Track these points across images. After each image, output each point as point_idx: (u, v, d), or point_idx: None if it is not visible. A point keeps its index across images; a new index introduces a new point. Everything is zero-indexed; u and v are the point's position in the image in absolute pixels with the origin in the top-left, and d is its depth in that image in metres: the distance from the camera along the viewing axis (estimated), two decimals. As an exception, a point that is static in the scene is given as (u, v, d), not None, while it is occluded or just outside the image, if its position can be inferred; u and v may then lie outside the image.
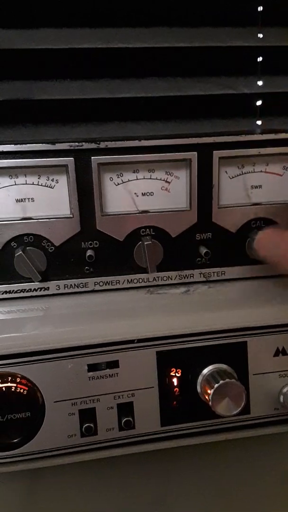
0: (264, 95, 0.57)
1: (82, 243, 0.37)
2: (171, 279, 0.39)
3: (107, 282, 0.39)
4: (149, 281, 0.39)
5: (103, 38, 0.51)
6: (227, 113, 0.57)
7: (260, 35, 0.55)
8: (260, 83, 0.56)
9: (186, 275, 0.40)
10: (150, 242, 0.37)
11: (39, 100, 0.50)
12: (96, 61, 0.52)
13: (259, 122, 0.58)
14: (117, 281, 0.39)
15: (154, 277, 0.39)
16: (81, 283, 0.38)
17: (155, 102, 0.55)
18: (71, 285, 0.38)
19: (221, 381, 0.32)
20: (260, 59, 0.56)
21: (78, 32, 0.51)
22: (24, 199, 0.36)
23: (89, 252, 0.37)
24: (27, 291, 0.38)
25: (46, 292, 0.38)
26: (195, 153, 0.36)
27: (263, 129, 0.52)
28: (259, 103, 0.57)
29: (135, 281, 0.39)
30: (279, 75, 0.56)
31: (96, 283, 0.39)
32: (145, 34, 0.52)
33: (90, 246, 0.38)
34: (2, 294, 0.38)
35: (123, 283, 0.39)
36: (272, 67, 0.56)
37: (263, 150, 0.37)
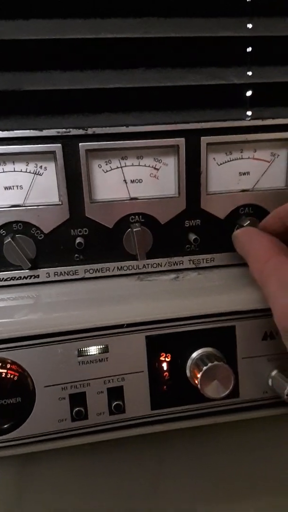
0: (254, 85, 0.57)
1: (72, 230, 0.38)
2: (161, 266, 0.40)
3: (97, 269, 0.39)
4: (138, 268, 0.39)
5: (92, 28, 0.51)
6: (217, 104, 0.57)
7: (250, 26, 0.55)
8: (249, 73, 0.57)
9: (175, 262, 0.40)
10: (139, 229, 0.37)
11: (28, 91, 0.50)
12: (86, 52, 0.52)
13: (249, 113, 0.58)
14: (107, 269, 0.39)
15: (144, 264, 0.39)
16: (71, 270, 0.39)
17: (145, 93, 0.55)
18: (61, 272, 0.38)
19: (210, 364, 0.33)
20: (249, 49, 0.56)
21: (67, 22, 0.51)
22: (13, 186, 0.36)
23: (78, 240, 0.37)
24: (17, 279, 0.38)
25: (36, 280, 0.38)
26: (183, 139, 0.36)
27: (241, 116, 0.52)
28: (249, 93, 0.57)
29: (125, 268, 0.39)
30: (268, 66, 0.56)
31: (86, 271, 0.39)
32: (135, 24, 0.52)
33: (80, 234, 0.38)
34: (-8, 281, 0.38)
35: (113, 270, 0.39)
36: (262, 57, 0.56)
37: (250, 136, 0.37)
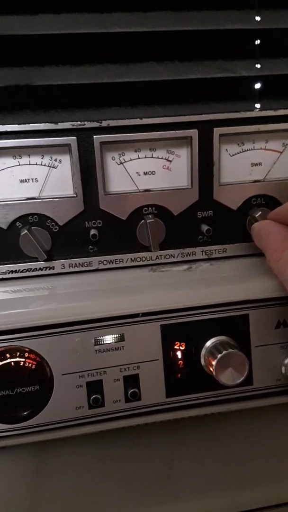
0: (262, 78, 0.57)
1: (86, 222, 0.38)
2: (174, 257, 0.40)
3: (110, 260, 0.39)
4: (151, 259, 0.40)
5: (101, 23, 0.51)
6: (226, 97, 0.57)
7: (258, 18, 0.55)
8: (258, 66, 0.57)
9: (188, 253, 0.40)
10: (153, 220, 0.37)
11: (38, 85, 0.51)
12: (95, 46, 0.53)
13: (257, 105, 0.58)
14: (121, 260, 0.39)
15: (157, 255, 0.40)
16: (86, 262, 0.39)
17: (154, 87, 0.55)
18: (75, 264, 0.39)
19: (224, 351, 0.33)
20: (258, 42, 0.56)
21: (76, 17, 0.51)
22: (28, 179, 0.37)
23: (92, 231, 0.38)
24: (33, 271, 0.39)
25: (51, 271, 0.39)
26: (196, 130, 0.37)
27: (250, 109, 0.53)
28: (257, 86, 0.57)
29: (138, 259, 0.40)
30: (277, 58, 0.57)
31: (100, 262, 0.39)
32: (143, 18, 0.53)
33: (94, 225, 0.38)
34: (8, 273, 0.38)
35: (126, 262, 0.40)
36: (270, 50, 0.56)
37: (263, 127, 0.37)
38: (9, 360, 0.34)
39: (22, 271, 0.39)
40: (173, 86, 0.55)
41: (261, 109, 0.37)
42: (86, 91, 0.53)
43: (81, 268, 0.39)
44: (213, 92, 0.57)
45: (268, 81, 0.57)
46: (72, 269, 0.39)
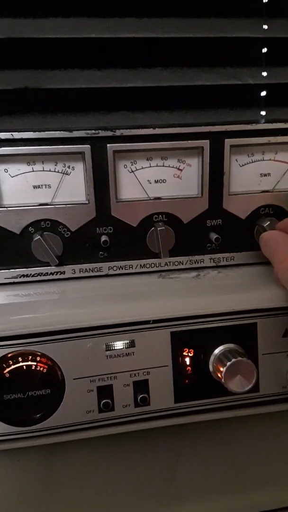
0: (268, 86, 0.58)
1: (97, 228, 0.39)
2: (182, 264, 0.41)
3: (120, 266, 0.40)
4: (161, 266, 0.41)
5: (111, 28, 0.52)
6: (232, 104, 0.58)
7: (265, 27, 0.56)
8: (264, 74, 0.57)
9: (196, 260, 0.41)
10: (163, 228, 0.38)
11: (47, 89, 0.51)
12: (104, 51, 0.53)
13: (263, 113, 0.59)
14: (130, 266, 0.40)
15: (166, 262, 0.40)
16: (96, 267, 0.40)
17: (161, 92, 0.56)
18: (86, 269, 0.40)
19: (233, 359, 0.34)
20: (265, 50, 0.57)
21: (86, 21, 0.51)
22: (42, 185, 0.37)
23: (103, 238, 0.39)
24: (44, 275, 0.39)
25: (62, 276, 0.39)
26: (208, 141, 0.37)
27: (273, 118, 0.53)
28: (263, 93, 0.58)
29: (148, 265, 0.40)
30: (283, 66, 0.57)
31: (110, 268, 0.40)
32: (152, 24, 0.53)
33: (105, 232, 0.39)
34: (20, 277, 0.39)
35: (136, 268, 0.40)
36: (277, 58, 0.57)
37: (273, 139, 0.38)
38: (21, 364, 0.34)
39: (33, 275, 0.39)
40: (180, 92, 0.56)
41: (271, 122, 0.38)
42: (94, 95, 0.54)
43: (91, 274, 0.40)
44: (219, 98, 0.57)
45: (274, 89, 0.57)
46: (82, 274, 0.40)
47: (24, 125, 0.52)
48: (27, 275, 0.39)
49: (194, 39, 0.54)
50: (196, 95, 0.57)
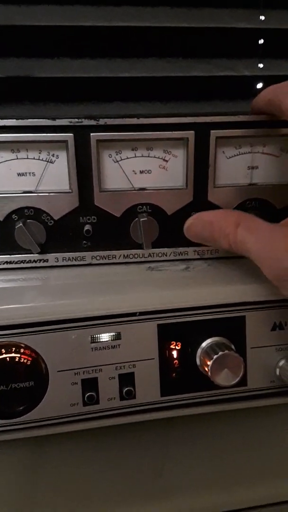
0: (264, 78, 0.57)
1: (80, 218, 0.39)
2: (166, 255, 0.41)
3: (103, 256, 0.40)
4: (144, 257, 0.40)
5: (105, 16, 0.51)
6: (227, 95, 0.58)
7: (262, 18, 0.55)
8: (261, 65, 0.57)
9: (180, 252, 0.41)
10: (146, 219, 0.38)
11: (38, 77, 0.51)
12: (97, 40, 0.53)
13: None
14: (113, 256, 0.40)
15: (150, 253, 0.40)
16: (79, 256, 0.40)
17: (155, 83, 0.55)
18: (69, 258, 0.40)
19: (220, 352, 0.34)
20: (261, 41, 0.56)
21: (79, 9, 0.51)
22: (26, 173, 0.37)
23: (86, 227, 0.38)
24: (27, 262, 0.39)
25: (45, 264, 0.39)
26: (193, 132, 0.37)
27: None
28: (259, 85, 0.58)
29: (131, 256, 0.40)
30: (280, 58, 0.57)
31: (93, 257, 0.40)
32: (147, 13, 0.53)
33: (88, 221, 0.39)
34: (3, 264, 0.39)
35: (119, 258, 0.40)
36: (273, 50, 0.56)
37: (261, 131, 0.37)
38: (4, 356, 0.34)
39: (16, 262, 0.39)
40: (175, 82, 0.56)
41: (259, 113, 0.37)
42: (86, 84, 0.53)
43: (74, 262, 0.40)
44: (214, 90, 0.57)
45: (270, 81, 0.57)
46: (65, 263, 0.40)
47: (15, 114, 0.52)
48: (10, 262, 0.39)
49: (190, 29, 0.53)
50: (191, 86, 0.56)
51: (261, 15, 0.55)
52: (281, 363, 0.37)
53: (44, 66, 0.51)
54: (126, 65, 0.54)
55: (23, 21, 0.48)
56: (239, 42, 0.56)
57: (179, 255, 0.41)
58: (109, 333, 0.35)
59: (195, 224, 0.37)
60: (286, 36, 0.55)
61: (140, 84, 0.55)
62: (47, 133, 0.36)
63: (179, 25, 0.53)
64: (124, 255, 0.40)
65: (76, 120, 0.35)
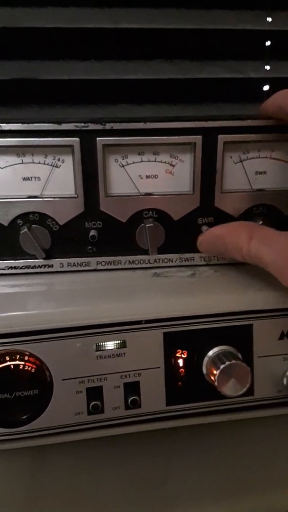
0: (271, 80, 0.56)
1: (86, 223, 0.38)
2: (172, 261, 0.40)
3: (109, 262, 0.39)
4: (150, 263, 0.40)
5: (111, 18, 0.51)
6: (233, 97, 0.57)
7: (269, 19, 0.54)
8: (267, 67, 0.56)
9: (187, 258, 0.40)
10: (152, 224, 0.37)
11: (44, 80, 0.50)
12: (103, 42, 0.52)
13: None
14: (119, 262, 0.40)
15: (155, 259, 0.40)
16: (84, 262, 0.39)
17: (162, 85, 0.55)
18: (74, 263, 0.39)
19: (227, 362, 0.33)
20: (268, 43, 0.55)
21: (85, 11, 0.50)
22: (31, 177, 0.37)
23: (92, 232, 0.38)
24: (32, 267, 0.39)
25: (50, 269, 0.39)
26: (200, 137, 0.36)
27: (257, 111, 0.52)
28: (266, 88, 0.57)
29: (137, 262, 0.40)
30: (287, 60, 0.56)
31: (98, 263, 0.39)
32: (153, 15, 0.52)
33: (94, 226, 0.38)
34: (8, 269, 0.39)
35: (124, 264, 0.40)
36: (281, 52, 0.55)
37: (268, 136, 0.37)
38: (8, 363, 0.34)
39: (21, 268, 0.39)
40: (180, 85, 0.55)
41: (266, 118, 0.37)
42: (92, 87, 0.53)
43: (79, 268, 0.39)
44: (221, 92, 0.56)
45: (277, 83, 0.56)
46: (70, 268, 0.39)
47: (21, 117, 0.51)
48: (15, 267, 0.39)
49: (196, 30, 0.53)
50: (197, 89, 0.56)
51: (268, 16, 0.54)
52: (289, 372, 0.37)
53: (49, 68, 0.51)
54: (132, 68, 0.54)
55: (28, 23, 0.48)
56: (245, 44, 0.55)
57: (185, 261, 0.40)
58: (114, 341, 0.35)
59: (207, 239, 0.37)
60: (293, 38, 0.55)
61: (146, 86, 0.54)
62: (52, 137, 0.35)
63: (185, 27, 0.53)
64: (129, 261, 0.40)
65: (82, 124, 0.35)
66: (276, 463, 0.46)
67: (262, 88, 0.57)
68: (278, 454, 0.45)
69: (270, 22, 0.54)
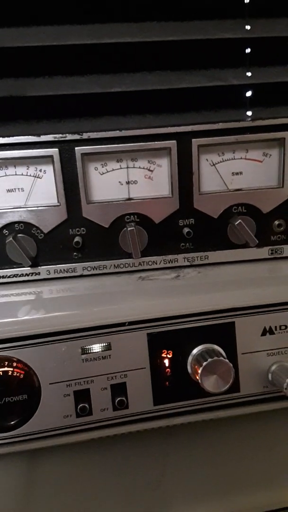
0: (253, 86, 0.58)
1: (70, 230, 0.39)
2: (156, 263, 0.41)
3: (94, 267, 0.41)
4: (134, 266, 0.41)
5: (92, 34, 0.53)
6: (217, 105, 0.58)
7: (248, 27, 0.56)
8: (249, 74, 0.57)
9: (170, 260, 0.41)
10: (133, 228, 0.39)
11: (31, 96, 0.52)
12: (87, 57, 0.54)
13: (249, 113, 0.59)
14: (104, 266, 0.41)
15: (140, 262, 0.41)
16: (70, 268, 0.40)
17: (146, 96, 0.56)
18: (60, 270, 0.40)
19: (210, 359, 0.34)
20: (248, 50, 0.57)
21: (67, 28, 0.52)
22: (15, 189, 0.38)
23: (76, 239, 0.39)
24: (19, 276, 0.40)
25: (37, 277, 0.40)
26: (174, 141, 0.38)
27: (241, 117, 0.53)
28: (248, 94, 0.58)
29: (122, 266, 0.41)
30: (267, 66, 0.57)
31: (84, 268, 0.41)
32: (134, 29, 0.54)
33: (77, 233, 0.40)
34: (-4, 279, 0.40)
35: (110, 268, 0.41)
36: (261, 58, 0.57)
37: (241, 137, 0.38)
38: (-2, 370, 0.34)
39: (9, 277, 0.40)
40: (165, 95, 0.57)
41: (251, 118, 0.38)
42: (78, 101, 0.55)
43: (65, 274, 0.41)
44: (204, 101, 0.58)
45: (259, 89, 0.57)
46: (57, 275, 0.41)
47: (8, 133, 0.53)
48: (3, 276, 0.40)
49: (176, 42, 0.54)
50: (181, 98, 0.57)
51: (247, 24, 0.56)
52: (273, 368, 0.37)
53: (35, 85, 0.53)
54: (116, 81, 0.55)
55: (13, 42, 0.50)
56: (226, 52, 0.56)
57: (169, 262, 0.41)
58: (99, 344, 0.35)
59: None
60: (272, 44, 0.56)
61: (130, 98, 0.56)
62: (33, 149, 0.37)
63: (166, 38, 0.54)
64: (114, 265, 0.41)
65: (60, 135, 0.36)
66: (269, 458, 0.45)
67: (245, 94, 0.58)
68: (270, 450, 0.45)
69: (249, 29, 0.56)
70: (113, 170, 0.39)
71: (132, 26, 0.54)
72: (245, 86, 0.58)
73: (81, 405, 0.35)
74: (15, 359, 0.34)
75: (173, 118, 0.58)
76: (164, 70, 0.57)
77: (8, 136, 0.36)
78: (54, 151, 0.37)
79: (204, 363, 0.34)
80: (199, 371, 0.34)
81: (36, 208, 0.39)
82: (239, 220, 0.39)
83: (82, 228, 0.39)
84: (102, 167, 0.39)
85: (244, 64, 0.57)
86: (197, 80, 0.57)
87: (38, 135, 0.36)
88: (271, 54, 0.57)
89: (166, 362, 0.36)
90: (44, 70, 0.53)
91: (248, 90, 0.58)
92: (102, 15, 0.53)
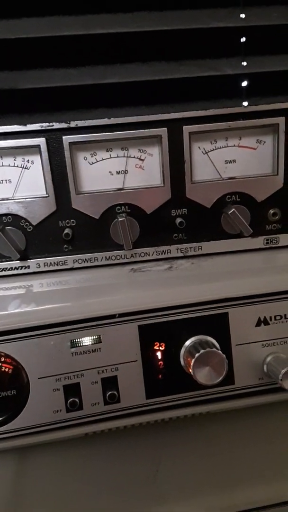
0: (249, 75, 0.56)
1: (59, 221, 0.39)
2: (149, 255, 0.40)
3: (85, 259, 0.40)
4: (126, 258, 0.40)
5: (85, 25, 0.52)
6: (213, 96, 0.57)
7: (243, 16, 0.55)
8: (244, 63, 0.56)
9: (163, 251, 0.40)
10: (124, 219, 0.38)
11: (23, 89, 0.51)
12: (79, 48, 0.53)
13: (245, 103, 0.58)
14: (95, 258, 0.40)
15: (132, 254, 0.40)
16: (60, 261, 0.40)
17: (139, 87, 0.55)
18: (50, 263, 0.40)
19: (202, 351, 0.33)
20: (243, 39, 0.56)
21: (60, 20, 0.51)
22: (2, 180, 0.38)
23: (66, 231, 0.38)
24: (8, 270, 0.39)
25: (27, 271, 0.40)
26: (165, 129, 0.37)
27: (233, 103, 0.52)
28: (244, 83, 0.57)
29: (113, 258, 0.40)
30: (263, 55, 0.56)
31: (75, 261, 0.40)
32: (127, 19, 0.53)
33: (67, 225, 0.39)
34: (-16, 272, 0.39)
35: (101, 260, 0.40)
36: (256, 47, 0.56)
37: (234, 124, 0.37)
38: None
39: (-2, 270, 0.39)
40: (160, 86, 0.56)
41: (229, 106, 0.37)
42: (71, 93, 0.54)
43: (56, 267, 0.40)
44: (200, 91, 0.56)
45: (255, 78, 0.56)
46: (47, 268, 0.40)
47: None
48: (-8, 270, 0.39)
49: (170, 31, 0.53)
50: (175, 89, 0.56)
51: (242, 13, 0.55)
52: (268, 359, 0.36)
53: (27, 77, 0.52)
54: (109, 72, 0.55)
55: (4, 35, 0.49)
56: (221, 41, 0.55)
57: (161, 253, 0.40)
58: (89, 336, 0.34)
59: None
60: (267, 33, 0.55)
61: (124, 89, 0.55)
62: (19, 139, 0.36)
63: (159, 28, 0.53)
64: (106, 257, 0.40)
65: (47, 124, 0.36)
66: (266, 452, 0.44)
67: (241, 83, 0.57)
68: (268, 443, 0.44)
69: (244, 18, 0.55)
70: (102, 159, 0.38)
71: (125, 17, 0.53)
72: (241, 75, 0.57)
73: (71, 399, 0.35)
74: (2, 354, 0.34)
75: (168, 109, 0.57)
76: (158, 61, 0.56)
77: (-4, 126, 0.35)
78: (41, 141, 0.36)
79: (197, 355, 0.33)
80: (192, 363, 0.33)
81: (24, 199, 0.38)
82: (233, 209, 0.38)
83: (72, 220, 0.39)
84: (92, 156, 0.38)
85: (239, 53, 0.56)
86: (192, 71, 0.56)
87: (24, 124, 0.35)
88: (266, 43, 0.56)
89: (159, 354, 0.35)
90: (36, 62, 0.52)
91: (244, 80, 0.57)
92: (95, 5, 0.52)
